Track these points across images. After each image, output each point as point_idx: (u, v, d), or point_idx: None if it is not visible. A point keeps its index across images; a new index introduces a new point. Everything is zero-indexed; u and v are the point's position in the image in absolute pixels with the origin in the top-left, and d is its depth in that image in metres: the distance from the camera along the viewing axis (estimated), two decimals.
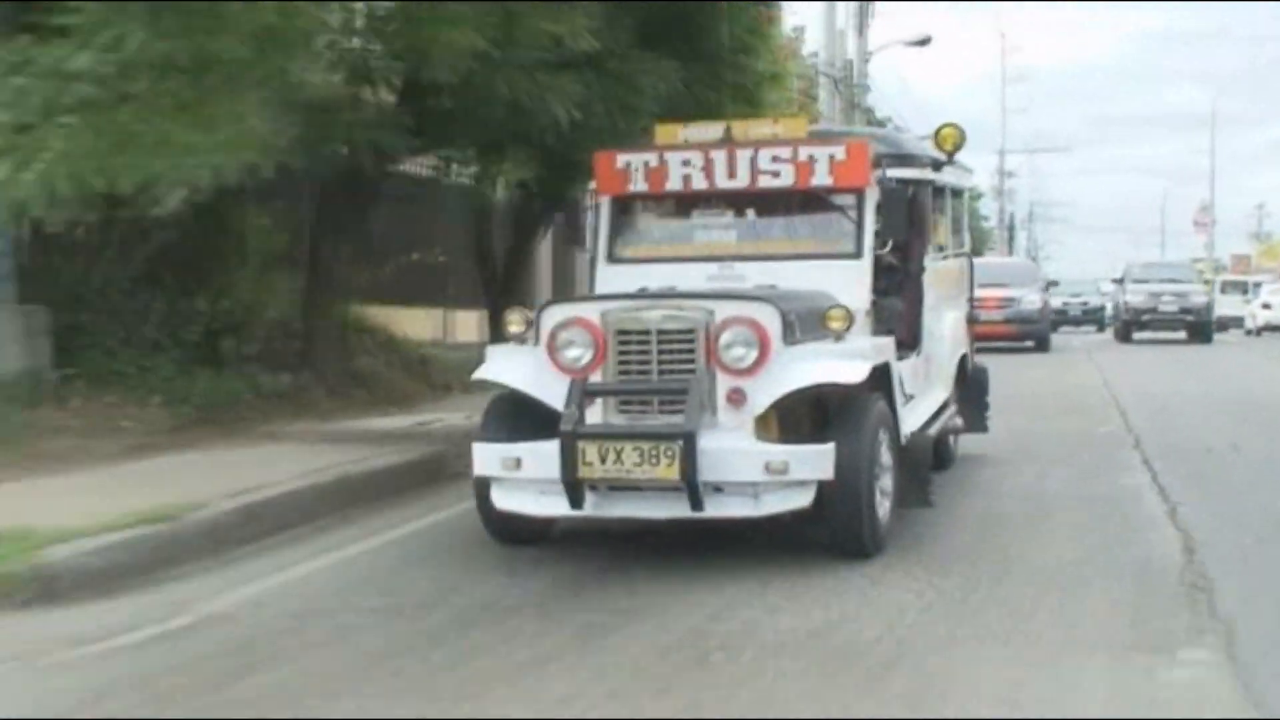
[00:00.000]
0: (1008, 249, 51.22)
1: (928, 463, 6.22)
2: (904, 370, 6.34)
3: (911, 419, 6.16)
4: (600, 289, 6.46)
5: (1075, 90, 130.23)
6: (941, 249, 7.61)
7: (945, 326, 7.47)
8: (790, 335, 5.29)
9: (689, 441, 5.01)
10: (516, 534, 5.70)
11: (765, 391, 5.25)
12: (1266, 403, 12.48)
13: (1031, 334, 22.49)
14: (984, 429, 8.57)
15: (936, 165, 7.06)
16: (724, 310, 5.32)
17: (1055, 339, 25.13)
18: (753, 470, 5.11)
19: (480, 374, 5.77)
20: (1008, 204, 58.92)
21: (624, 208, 6.67)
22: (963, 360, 7.95)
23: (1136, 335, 26.64)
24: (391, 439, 8.27)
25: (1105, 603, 4.73)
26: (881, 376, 5.66)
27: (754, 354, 5.25)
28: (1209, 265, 49.90)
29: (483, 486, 5.58)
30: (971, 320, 8.41)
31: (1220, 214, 62.33)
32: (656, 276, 6.21)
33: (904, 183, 6.61)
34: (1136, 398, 12.48)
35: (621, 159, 6.53)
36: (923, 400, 6.68)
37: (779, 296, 5.48)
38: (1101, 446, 9.22)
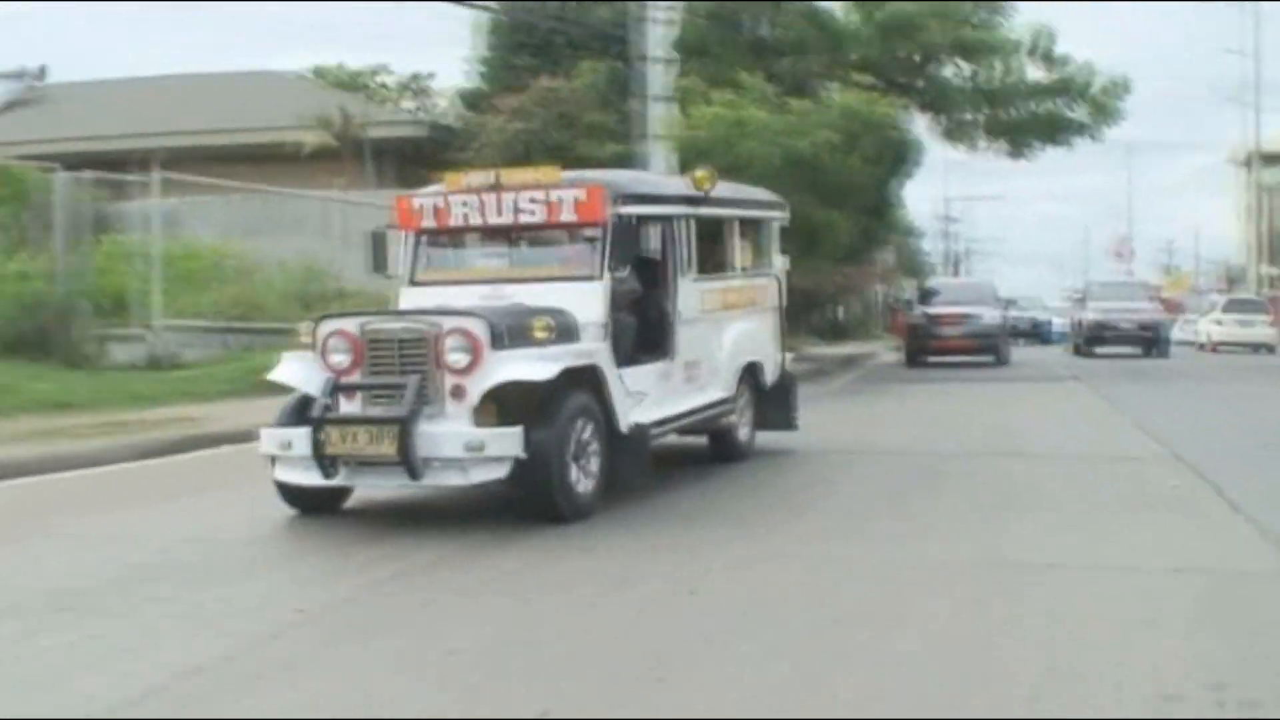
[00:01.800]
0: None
1: (646, 445, 7.51)
2: (644, 373, 7.68)
3: (640, 413, 7.46)
4: (403, 307, 7.88)
5: None
6: (723, 272, 8.93)
7: (724, 337, 8.77)
8: (499, 343, 6.66)
9: (404, 425, 6.41)
10: (306, 503, 7.13)
11: (477, 387, 6.63)
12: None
13: (989, 347, 23.93)
14: (793, 427, 9.83)
15: (689, 202, 8.37)
16: (447, 323, 6.72)
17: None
18: (455, 448, 6.49)
19: (270, 375, 7.24)
20: (951, 244, 67.60)
21: (420, 240, 8.09)
22: (752, 366, 9.20)
23: (1097, 350, 27.84)
24: None
25: None
26: (590, 374, 7.00)
27: (468, 358, 6.63)
28: None
29: (270, 462, 7.04)
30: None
31: (1140, 243, 64.69)
32: (444, 297, 7.59)
33: (648, 218, 7.96)
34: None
35: (415, 202, 7.96)
36: (670, 399, 7.98)
37: (491, 312, 6.85)
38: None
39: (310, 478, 6.79)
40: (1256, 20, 48.81)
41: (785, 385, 9.81)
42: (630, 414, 7.32)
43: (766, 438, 9.60)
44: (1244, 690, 3.79)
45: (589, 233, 7.64)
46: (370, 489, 7.11)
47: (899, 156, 20.83)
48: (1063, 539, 6.37)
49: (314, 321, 7.16)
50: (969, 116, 22.75)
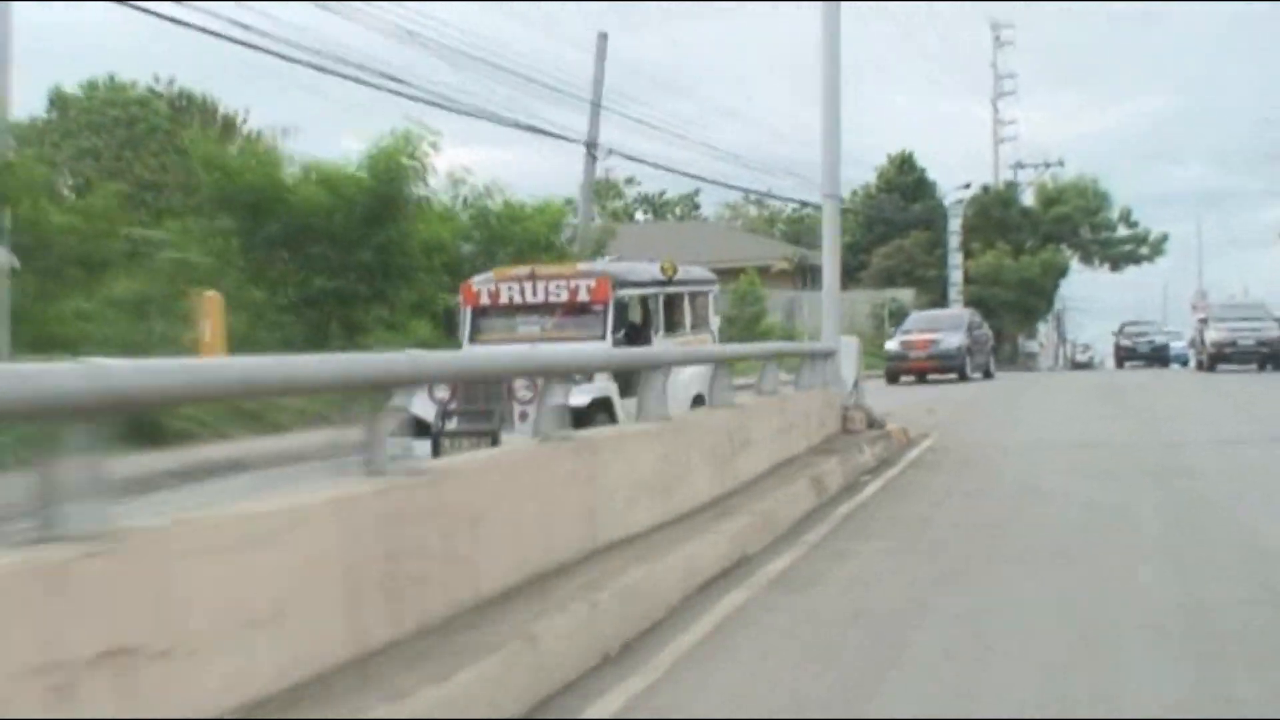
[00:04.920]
0: (1055, 334, 60.84)
1: None
2: (634, 401, 11.28)
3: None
4: None
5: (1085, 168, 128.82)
6: (678, 330, 12.44)
7: (681, 376, 12.36)
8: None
9: (493, 436, 9.98)
10: None
11: (537, 411, 10.21)
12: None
13: (951, 367, 27.99)
14: None
15: (660, 284, 11.93)
16: None
17: (1126, 375, 32.78)
18: None
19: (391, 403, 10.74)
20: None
21: (478, 313, 11.51)
22: (699, 396, 12.80)
23: (1221, 367, 29.71)
24: None
25: None
26: (606, 402, 10.64)
27: (531, 393, 10.20)
28: None
29: None
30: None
31: (1218, 291, 68.73)
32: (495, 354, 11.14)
33: (636, 296, 11.65)
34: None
35: (475, 286, 11.57)
36: None
37: None
38: None
39: None
40: None
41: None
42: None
43: None
44: None
45: (596, 308, 11.07)
46: None
47: (1063, 274, 49.49)
48: None
49: None
50: (1090, 249, 51.16)
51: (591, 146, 27.95)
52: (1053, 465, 11.04)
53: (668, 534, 6.49)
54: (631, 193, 67.09)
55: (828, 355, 12.56)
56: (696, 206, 68.04)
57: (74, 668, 2.89)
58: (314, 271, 19.01)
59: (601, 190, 60.99)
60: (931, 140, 73.16)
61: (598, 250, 26.36)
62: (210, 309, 15.19)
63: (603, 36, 27.98)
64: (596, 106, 27.51)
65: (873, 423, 12.53)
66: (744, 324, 31.64)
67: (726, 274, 31.90)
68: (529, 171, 70.18)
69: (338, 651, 3.85)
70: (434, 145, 19.52)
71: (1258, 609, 5.48)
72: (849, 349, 13.11)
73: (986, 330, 32.95)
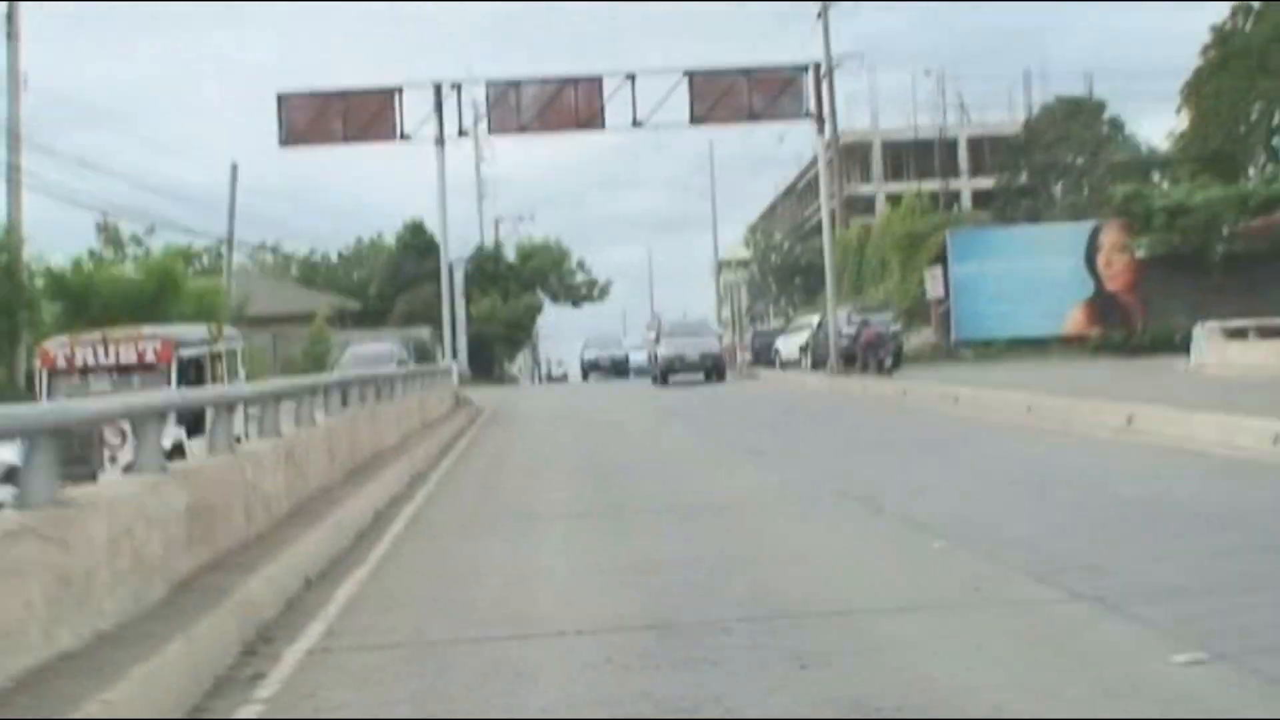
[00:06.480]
0: (531, 358, 70.09)
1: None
2: (198, 442, 11.29)
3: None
4: None
5: (547, 197, 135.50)
6: (218, 381, 14.01)
7: (233, 420, 10.12)
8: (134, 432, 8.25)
9: (93, 477, 9.69)
10: None
11: (124, 457, 10.31)
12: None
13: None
14: None
15: (209, 344, 14.38)
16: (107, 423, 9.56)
17: (589, 385, 41.47)
18: None
19: None
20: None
21: (54, 374, 12.83)
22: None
23: (672, 379, 33.30)
24: None
25: None
26: (179, 446, 11.09)
27: (120, 441, 10.69)
28: None
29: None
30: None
31: (673, 312, 71.40)
32: None
33: (190, 358, 13.58)
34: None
35: (51, 350, 13.05)
36: None
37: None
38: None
39: None
40: (711, 152, 68.28)
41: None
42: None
43: None
44: None
45: (162, 366, 12.66)
46: None
47: (538, 313, 61.27)
48: None
49: None
50: (557, 293, 62.41)
51: (229, 240, 41.02)
52: (547, 412, 25.96)
53: (423, 435, 20.27)
54: (157, 244, 70.41)
55: (448, 371, 27.11)
56: (221, 256, 74.56)
57: None
58: None
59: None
60: (429, 197, 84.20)
61: (240, 311, 36.67)
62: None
63: (234, 168, 39.53)
64: (232, 216, 40.13)
65: (468, 401, 26.22)
66: (315, 360, 37.32)
67: (291, 320, 42.85)
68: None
69: None
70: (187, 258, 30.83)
71: (632, 413, 20.91)
72: (454, 369, 27.16)
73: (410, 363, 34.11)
